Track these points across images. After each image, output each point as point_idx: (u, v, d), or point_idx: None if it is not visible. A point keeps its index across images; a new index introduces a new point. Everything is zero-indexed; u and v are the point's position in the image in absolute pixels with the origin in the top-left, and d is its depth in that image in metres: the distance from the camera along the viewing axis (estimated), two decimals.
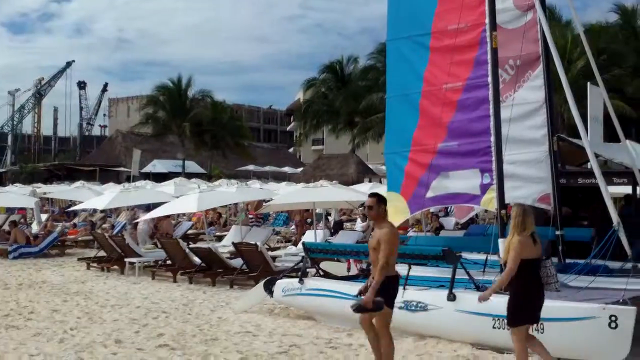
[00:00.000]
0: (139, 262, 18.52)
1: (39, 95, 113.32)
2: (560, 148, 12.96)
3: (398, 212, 12.70)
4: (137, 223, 22.64)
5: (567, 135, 15.22)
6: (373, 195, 8.29)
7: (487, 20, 11.24)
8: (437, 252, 10.66)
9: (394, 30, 13.10)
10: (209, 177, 57.61)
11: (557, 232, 11.98)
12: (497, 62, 11.15)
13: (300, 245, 15.33)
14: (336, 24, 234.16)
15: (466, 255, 11.73)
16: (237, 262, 16.89)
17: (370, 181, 38.52)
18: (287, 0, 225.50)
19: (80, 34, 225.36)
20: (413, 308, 10.18)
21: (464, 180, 11.63)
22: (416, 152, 12.38)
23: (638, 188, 14.35)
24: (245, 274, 16.33)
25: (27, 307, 13.72)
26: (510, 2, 12.51)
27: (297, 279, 11.92)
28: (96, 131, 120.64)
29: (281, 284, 12.24)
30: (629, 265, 9.89)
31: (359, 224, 24.87)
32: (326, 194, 19.39)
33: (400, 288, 10.31)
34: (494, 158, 11.10)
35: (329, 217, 28.10)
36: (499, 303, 8.05)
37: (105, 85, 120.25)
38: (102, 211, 28.76)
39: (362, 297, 7.96)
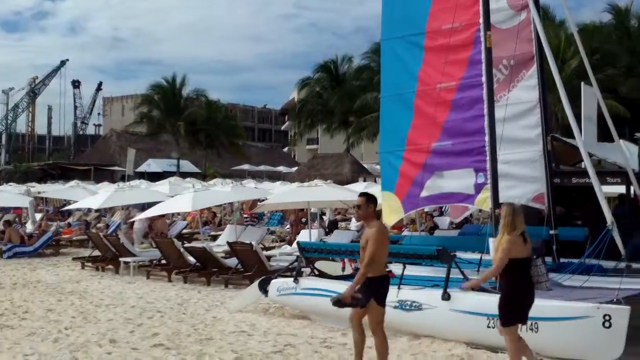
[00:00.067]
0: (134, 262, 18.50)
1: (33, 94, 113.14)
2: (554, 148, 13.00)
3: (392, 211, 12.73)
4: (133, 222, 22.61)
5: (561, 135, 15.26)
6: (362, 194, 8.39)
7: (481, 20, 11.27)
8: (431, 251, 10.69)
9: (388, 29, 13.11)
10: (203, 177, 57.59)
11: (551, 232, 12.01)
12: (491, 62, 11.19)
13: (295, 245, 15.35)
14: (331, 23, 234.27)
15: (460, 254, 11.77)
16: (232, 262, 16.89)
17: (364, 180, 38.51)
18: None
19: (74, 32, 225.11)
20: (407, 307, 10.20)
21: (458, 180, 11.65)
22: (410, 152, 12.39)
23: (632, 188, 14.39)
24: (240, 273, 16.33)
25: (21, 306, 13.70)
26: (504, 2, 12.54)
27: (292, 279, 11.94)
28: (90, 130, 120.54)
29: (276, 283, 12.25)
30: (622, 264, 9.91)
31: (354, 224, 24.87)
32: (321, 193, 19.40)
33: (395, 287, 10.40)
34: (488, 157, 11.13)
35: (323, 217, 28.12)
36: (493, 303, 8.07)
37: (100, 84, 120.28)
38: (96, 210, 28.73)
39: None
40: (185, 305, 13.70)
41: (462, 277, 10.11)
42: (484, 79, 11.22)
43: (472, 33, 11.51)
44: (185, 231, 26.24)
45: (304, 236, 19.34)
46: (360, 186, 30.23)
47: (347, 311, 8.26)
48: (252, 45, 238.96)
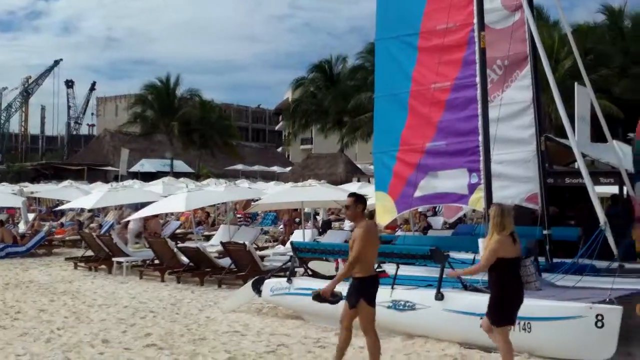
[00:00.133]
0: (127, 262, 18.47)
1: (26, 93, 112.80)
2: (548, 148, 13.02)
3: (386, 211, 12.73)
4: (128, 222, 22.57)
5: (555, 135, 15.30)
6: (351, 195, 8.43)
7: (475, 20, 11.29)
8: (425, 251, 10.68)
9: (382, 29, 13.11)
10: (197, 177, 57.50)
11: (545, 232, 12.02)
12: (485, 62, 11.20)
13: (288, 245, 15.34)
14: (325, 23, 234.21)
15: (454, 254, 11.78)
16: (226, 262, 16.86)
17: (358, 181, 38.55)
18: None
19: (68, 32, 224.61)
20: (401, 307, 10.20)
21: (452, 180, 11.67)
22: (404, 152, 12.39)
23: (625, 188, 14.43)
24: (233, 273, 16.30)
25: (13, 306, 13.65)
26: (498, 2, 12.55)
27: (286, 279, 11.92)
28: (84, 130, 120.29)
29: (269, 283, 12.24)
30: (615, 264, 9.94)
31: (347, 224, 24.86)
32: (314, 193, 19.38)
33: (389, 287, 10.41)
34: (481, 158, 11.15)
35: (317, 217, 28.11)
36: (487, 303, 8.08)
37: (93, 84, 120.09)
38: (89, 210, 28.66)
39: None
40: (179, 305, 13.67)
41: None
42: (478, 79, 11.23)
43: (466, 33, 11.53)
44: (178, 231, 26.21)
45: (297, 236, 19.32)
46: (354, 186, 30.23)
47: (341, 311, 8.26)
48: (247, 45, 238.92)
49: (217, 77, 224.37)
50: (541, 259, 11.76)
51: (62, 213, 31.99)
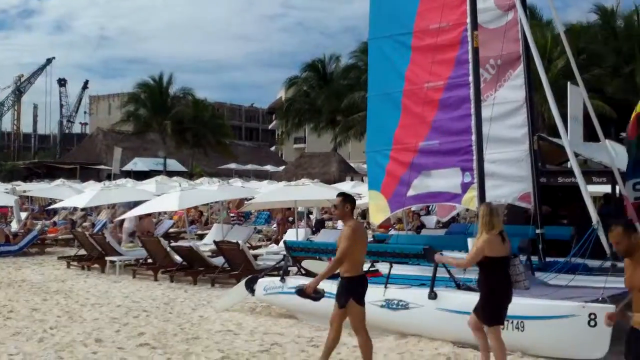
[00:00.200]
0: (120, 261, 18.44)
1: (18, 92, 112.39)
2: (541, 147, 13.05)
3: (379, 210, 12.75)
4: (121, 221, 22.52)
5: (548, 135, 15.34)
6: (340, 194, 8.47)
7: (468, 20, 11.30)
8: (418, 250, 10.70)
9: (375, 29, 13.12)
10: (190, 175, 57.44)
11: (538, 231, 12.06)
12: (478, 62, 11.22)
13: (281, 244, 15.33)
14: (318, 22, 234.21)
15: (447, 253, 11.78)
16: (219, 261, 16.85)
17: (352, 180, 38.63)
18: None
19: (60, 31, 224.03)
20: (394, 306, 10.21)
21: (445, 179, 11.68)
22: (397, 151, 12.41)
23: (617, 187, 14.47)
24: (226, 272, 16.29)
25: (6, 306, 13.60)
26: (491, 2, 12.57)
27: (279, 278, 11.92)
28: (77, 129, 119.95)
29: (263, 282, 12.23)
30: (608, 263, 9.95)
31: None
32: (308, 192, 19.37)
33: (382, 286, 10.43)
34: (474, 157, 11.17)
35: (310, 216, 28.09)
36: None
37: (86, 82, 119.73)
38: (82, 209, 28.57)
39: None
40: (172, 305, 13.66)
41: (448, 276, 10.13)
42: (471, 78, 11.25)
43: (459, 33, 11.55)
44: (171, 230, 26.15)
45: (290, 235, 19.31)
46: (347, 185, 30.33)
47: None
48: (240, 44, 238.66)
49: (210, 76, 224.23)
50: (534, 258, 11.80)
51: (55, 212, 31.87)
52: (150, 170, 62.45)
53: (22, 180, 52.10)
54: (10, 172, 63.92)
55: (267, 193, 23.39)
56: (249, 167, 69.06)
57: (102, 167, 65.44)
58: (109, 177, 48.57)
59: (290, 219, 23.83)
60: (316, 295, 8.08)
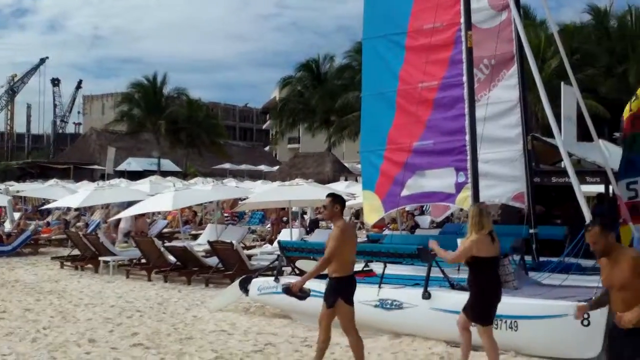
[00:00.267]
0: (113, 261, 18.40)
1: (11, 92, 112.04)
2: (534, 147, 13.07)
3: (373, 210, 12.76)
4: (116, 221, 22.49)
5: (541, 135, 15.37)
6: (329, 195, 8.47)
7: (462, 20, 11.32)
8: (412, 250, 10.71)
9: (370, 29, 13.13)
10: (184, 176, 57.31)
11: (531, 230, 12.08)
12: (472, 62, 11.23)
13: (275, 244, 15.31)
14: (312, 22, 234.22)
15: None
16: (213, 261, 16.84)
17: (346, 180, 38.61)
18: None
19: (54, 30, 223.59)
20: (388, 306, 10.22)
21: (439, 179, 11.70)
22: (392, 151, 12.42)
23: (610, 187, 14.51)
24: (220, 272, 16.28)
25: None
26: (485, 2, 12.58)
27: (273, 278, 11.91)
28: (70, 129, 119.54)
29: (257, 282, 12.22)
30: None
31: None
32: (302, 192, 19.37)
33: (376, 286, 10.43)
34: (468, 157, 11.19)
35: (304, 216, 28.09)
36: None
37: (80, 82, 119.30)
38: (76, 209, 28.50)
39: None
40: (165, 305, 13.64)
41: (442, 276, 10.15)
42: (464, 78, 11.26)
43: (453, 33, 11.57)
44: (165, 230, 26.10)
45: (285, 235, 19.32)
46: (341, 185, 30.33)
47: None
48: (234, 44, 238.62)
49: (204, 75, 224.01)
50: (528, 258, 11.82)
51: (48, 212, 31.78)
52: (144, 170, 62.30)
53: (16, 180, 51.89)
54: (4, 172, 63.69)
55: (261, 193, 23.38)
56: (243, 167, 68.94)
57: (96, 167, 65.24)
58: (102, 177, 48.42)
59: (285, 219, 23.81)
60: (302, 294, 8.10)
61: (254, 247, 21.12)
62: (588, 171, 14.90)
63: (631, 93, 10.80)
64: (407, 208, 20.42)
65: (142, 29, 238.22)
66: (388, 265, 11.01)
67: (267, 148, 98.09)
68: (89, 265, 18.99)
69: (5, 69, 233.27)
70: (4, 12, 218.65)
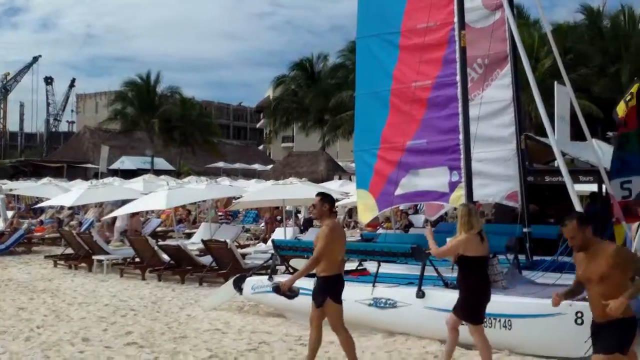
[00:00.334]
0: (107, 260, 18.37)
1: (4, 90, 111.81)
2: (528, 146, 13.09)
3: (367, 209, 12.76)
4: (110, 220, 22.45)
5: (535, 134, 15.39)
6: (318, 194, 8.50)
7: (455, 19, 11.32)
8: (406, 249, 10.73)
9: (363, 28, 13.12)
10: (178, 174, 57.21)
11: (525, 230, 12.11)
12: (465, 61, 11.24)
13: (269, 243, 15.32)
14: (306, 21, 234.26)
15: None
16: (207, 260, 16.83)
17: (340, 179, 38.60)
18: None
19: (47, 28, 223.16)
20: (382, 305, 10.23)
21: (433, 178, 11.71)
22: (385, 150, 12.42)
23: (603, 186, 14.56)
24: (214, 271, 16.27)
25: None
26: (478, 2, 12.60)
27: (267, 276, 11.91)
28: (63, 127, 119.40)
29: (251, 281, 12.23)
30: None
31: None
32: (296, 191, 19.36)
33: (370, 285, 10.45)
34: (462, 156, 11.20)
35: (298, 215, 28.11)
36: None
37: (73, 80, 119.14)
38: (69, 208, 28.43)
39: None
40: (159, 304, 13.63)
41: (436, 275, 10.16)
42: (458, 77, 11.28)
43: (446, 32, 11.58)
44: (159, 229, 26.09)
45: (278, 234, 19.31)
46: (335, 184, 30.33)
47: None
48: (228, 43, 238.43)
49: (197, 74, 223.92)
50: (521, 257, 11.84)
51: (42, 210, 31.69)
52: (138, 168, 62.22)
53: (9, 178, 51.74)
54: None
55: (255, 192, 23.36)
56: (237, 165, 68.90)
57: (89, 165, 65.20)
58: (96, 175, 48.39)
59: (278, 217, 23.82)
60: (291, 293, 8.11)
61: (247, 245, 21.11)
62: (581, 170, 14.94)
63: (624, 92, 10.81)
64: (401, 207, 20.45)
65: (135, 27, 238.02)
66: (382, 264, 11.03)
67: (261, 147, 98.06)
68: (83, 264, 18.95)
69: None
70: None
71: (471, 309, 7.99)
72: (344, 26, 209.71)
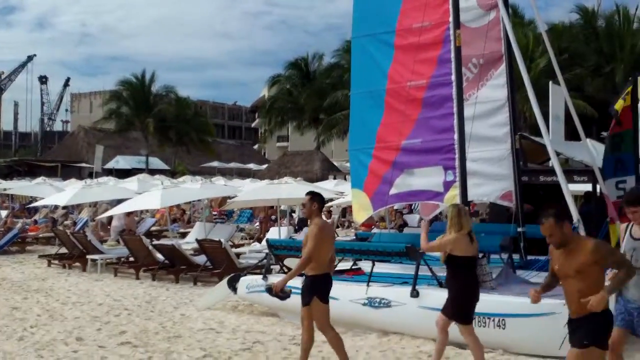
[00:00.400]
0: (101, 259, 18.34)
1: None
2: (522, 146, 13.10)
3: (361, 208, 12.75)
4: (109, 219, 22.41)
5: (529, 134, 15.40)
6: (308, 193, 8.53)
7: (450, 19, 11.33)
8: (400, 248, 10.72)
9: (359, 27, 13.11)
10: (172, 174, 57.18)
11: (519, 229, 12.13)
12: (460, 61, 11.25)
13: (264, 242, 15.30)
14: (301, 20, 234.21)
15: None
16: (201, 259, 16.80)
17: (334, 178, 38.63)
18: None
19: (42, 28, 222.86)
20: (376, 304, 10.23)
21: (428, 178, 11.70)
22: (380, 149, 12.42)
23: (598, 186, 14.58)
24: (209, 270, 16.26)
25: None
26: (473, 1, 12.61)
27: (261, 276, 11.91)
28: (58, 126, 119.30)
29: (245, 280, 12.22)
30: None
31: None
32: (290, 190, 19.32)
33: (364, 284, 10.44)
34: (457, 155, 11.20)
35: (293, 214, 28.07)
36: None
37: (67, 80, 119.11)
38: (63, 207, 28.39)
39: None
40: (154, 303, 13.61)
41: (431, 274, 10.16)
42: (453, 77, 11.28)
43: (441, 32, 11.57)
44: (153, 228, 26.06)
45: (273, 233, 19.29)
46: (330, 184, 30.34)
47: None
48: (223, 42, 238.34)
49: (192, 74, 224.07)
50: (516, 256, 11.86)
51: (36, 210, 31.66)
52: (133, 168, 62.16)
53: (3, 178, 51.65)
54: None
55: (249, 191, 23.33)
56: (232, 165, 68.91)
57: (84, 165, 65.08)
58: (90, 175, 48.24)
59: (273, 217, 23.80)
60: (283, 294, 8.10)
61: (242, 245, 21.12)
62: (575, 170, 14.97)
63: (618, 92, 10.83)
64: (396, 206, 20.45)
65: (131, 26, 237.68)
66: (376, 263, 11.03)
67: (255, 146, 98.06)
68: (77, 264, 18.92)
69: None
70: None
71: (460, 309, 8.00)
72: (339, 25, 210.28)
